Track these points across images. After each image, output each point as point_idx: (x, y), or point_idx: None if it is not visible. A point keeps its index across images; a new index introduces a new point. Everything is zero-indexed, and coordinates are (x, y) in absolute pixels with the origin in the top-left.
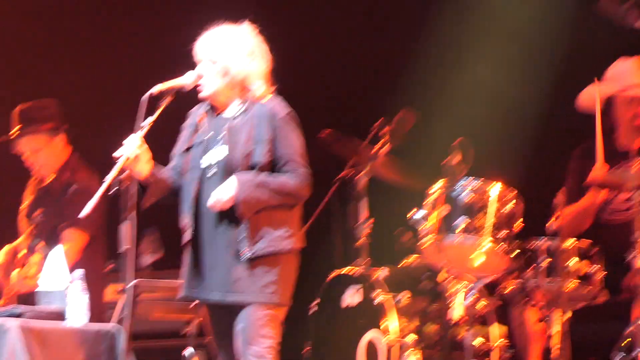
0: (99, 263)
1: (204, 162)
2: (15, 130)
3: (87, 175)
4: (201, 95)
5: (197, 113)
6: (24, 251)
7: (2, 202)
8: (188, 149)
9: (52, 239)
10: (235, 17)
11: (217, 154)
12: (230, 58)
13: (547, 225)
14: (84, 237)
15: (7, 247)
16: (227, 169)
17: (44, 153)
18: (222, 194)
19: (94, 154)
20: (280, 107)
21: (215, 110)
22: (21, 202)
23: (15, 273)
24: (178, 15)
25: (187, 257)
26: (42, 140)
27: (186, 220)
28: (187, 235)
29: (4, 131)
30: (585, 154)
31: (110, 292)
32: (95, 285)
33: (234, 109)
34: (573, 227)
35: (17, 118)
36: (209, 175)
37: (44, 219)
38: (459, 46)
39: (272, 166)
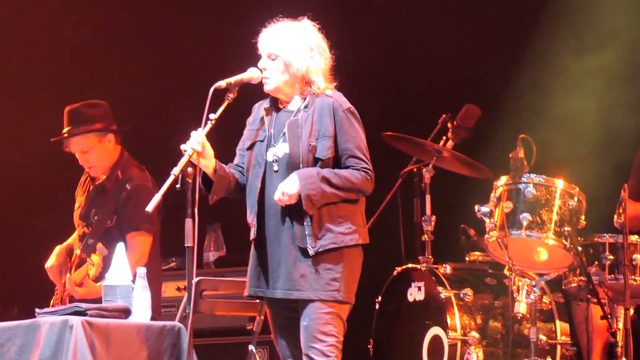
0: (158, 261)
1: (268, 158)
2: (65, 130)
3: (139, 173)
4: (265, 89)
5: (260, 108)
6: (78, 251)
7: (54, 202)
8: (252, 146)
9: (108, 239)
10: (296, 13)
11: (280, 150)
12: (292, 53)
13: (613, 220)
14: (150, 240)
15: (59, 248)
16: (290, 165)
17: (94, 153)
18: (287, 188)
19: (160, 146)
20: (341, 102)
21: (278, 105)
22: (73, 202)
23: (72, 275)
24: (241, 9)
25: (252, 254)
26: (91, 141)
27: (251, 217)
28: (252, 233)
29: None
30: None
31: (172, 288)
32: (155, 284)
33: (295, 104)
34: (634, 224)
35: (67, 118)
36: (273, 171)
37: (99, 219)
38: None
39: (335, 161)
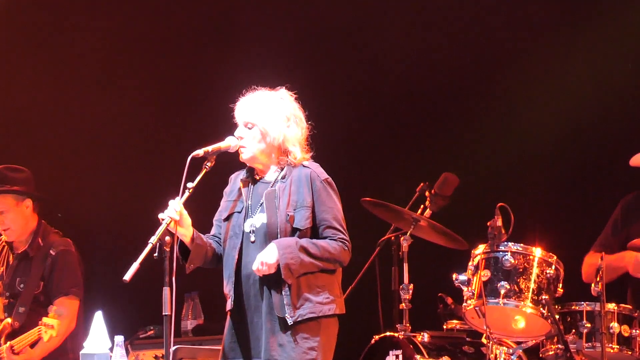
0: (80, 323)
1: (245, 229)
2: None
3: (60, 239)
4: (241, 158)
5: (237, 179)
6: (9, 320)
7: None
8: (229, 217)
9: (35, 305)
10: (273, 83)
11: (257, 220)
12: (269, 122)
13: (591, 288)
14: (78, 303)
15: None
16: (268, 235)
17: (10, 215)
18: (266, 258)
19: (138, 214)
20: (319, 172)
21: (254, 176)
22: None
23: (13, 342)
24: (218, 78)
25: (228, 324)
26: (9, 202)
27: (227, 288)
28: (228, 304)
29: None
30: (632, 206)
31: (150, 357)
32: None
33: (272, 175)
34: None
35: None
36: (250, 241)
37: (27, 287)
38: (501, 111)
39: (312, 231)
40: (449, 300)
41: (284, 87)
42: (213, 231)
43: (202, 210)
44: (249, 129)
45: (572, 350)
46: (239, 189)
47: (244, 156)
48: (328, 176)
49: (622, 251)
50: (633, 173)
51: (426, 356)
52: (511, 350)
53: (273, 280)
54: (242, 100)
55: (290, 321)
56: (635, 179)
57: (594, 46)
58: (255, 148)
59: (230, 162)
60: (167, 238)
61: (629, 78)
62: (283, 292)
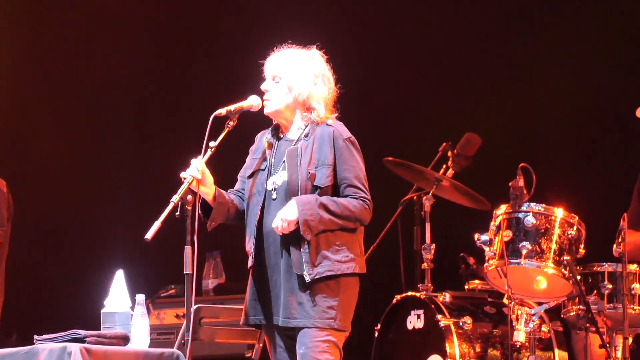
0: (2, 268)
1: (268, 186)
2: None
3: None
4: (265, 111)
5: (262, 137)
6: None
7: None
8: (253, 174)
9: None
10: (302, 41)
11: (279, 178)
12: (296, 77)
13: (612, 249)
14: None
15: None
16: (288, 192)
17: None
18: (286, 215)
19: (160, 173)
20: (342, 131)
21: (279, 134)
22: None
23: None
24: (245, 38)
25: (249, 283)
26: None
27: (249, 245)
28: (250, 261)
29: None
30: None
31: (171, 316)
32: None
33: (296, 133)
34: (634, 254)
35: None
36: (272, 199)
37: None
38: (524, 70)
39: (334, 189)
40: (471, 261)
41: (316, 47)
42: (237, 186)
43: (225, 169)
44: (276, 82)
45: (593, 311)
46: (264, 147)
47: (268, 109)
48: (351, 135)
49: None
50: None
51: (448, 316)
52: (533, 311)
53: (292, 238)
54: (272, 54)
55: (308, 279)
56: None
57: (621, 3)
58: (280, 101)
59: (255, 121)
60: (189, 197)
61: None
62: (302, 250)
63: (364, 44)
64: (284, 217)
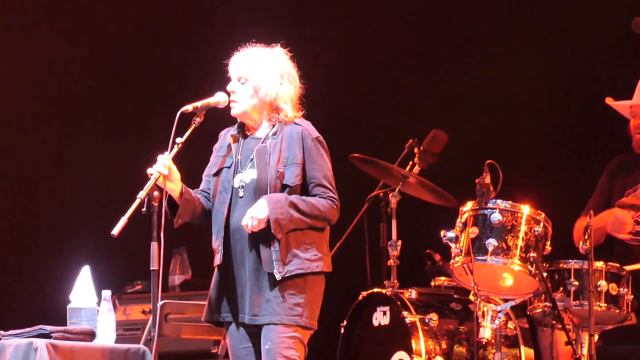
0: None
1: (235, 184)
2: None
3: None
4: (232, 113)
5: (227, 135)
6: None
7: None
8: (218, 172)
9: None
10: (268, 40)
11: (247, 176)
12: (262, 78)
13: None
14: None
15: None
16: (257, 191)
17: None
18: (256, 213)
19: (127, 169)
20: (310, 130)
21: (245, 132)
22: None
23: None
24: (212, 33)
25: (214, 280)
26: None
27: (217, 243)
28: (216, 259)
29: None
30: (616, 171)
31: (137, 311)
32: None
33: (263, 131)
34: (595, 237)
35: None
36: (239, 197)
37: None
38: (489, 67)
39: (302, 188)
40: (437, 257)
41: (279, 45)
42: (202, 186)
43: (192, 166)
44: (242, 84)
45: (559, 308)
46: (229, 144)
47: (235, 111)
48: (319, 134)
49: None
50: (622, 135)
51: (414, 313)
52: (499, 308)
53: (262, 236)
54: (237, 54)
55: (278, 277)
56: (623, 140)
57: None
58: (247, 103)
59: (221, 117)
60: (156, 193)
61: (621, 30)
62: (272, 248)
63: (329, 40)
64: (254, 215)
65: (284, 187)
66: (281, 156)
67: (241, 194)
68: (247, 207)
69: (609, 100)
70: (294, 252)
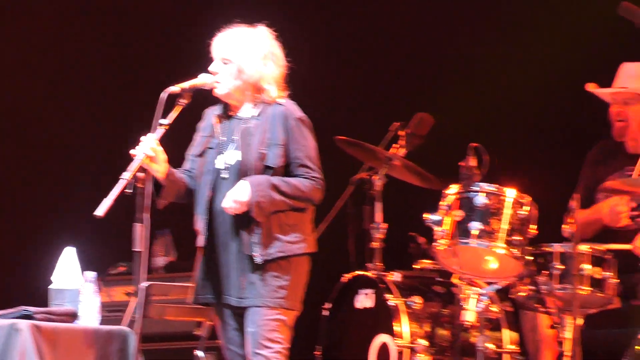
0: None
1: (218, 164)
2: None
3: None
4: (215, 92)
5: (211, 114)
6: None
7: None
8: (202, 152)
9: None
10: (252, 20)
11: (230, 156)
12: (245, 59)
13: (562, 229)
14: None
15: None
16: (240, 172)
17: None
18: (238, 196)
19: (112, 150)
20: (293, 110)
21: (229, 111)
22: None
23: None
24: (196, 14)
25: (199, 261)
26: None
27: (200, 223)
28: (200, 240)
29: None
30: (598, 159)
31: (121, 293)
32: None
33: (247, 111)
34: (584, 232)
35: None
36: (222, 178)
37: None
38: (475, 49)
39: (286, 169)
40: (421, 240)
41: (263, 24)
42: (186, 165)
43: (178, 147)
44: (225, 64)
45: (543, 291)
46: (212, 125)
47: (219, 92)
48: (303, 114)
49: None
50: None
51: (397, 295)
52: (482, 291)
53: (243, 218)
54: (220, 35)
55: (259, 260)
56: (608, 125)
57: None
58: (231, 84)
59: (207, 98)
60: (141, 174)
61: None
62: (253, 231)
63: (314, 22)
64: (235, 199)
65: (266, 169)
66: (264, 137)
67: (225, 175)
68: (230, 189)
69: (590, 87)
70: (275, 235)
